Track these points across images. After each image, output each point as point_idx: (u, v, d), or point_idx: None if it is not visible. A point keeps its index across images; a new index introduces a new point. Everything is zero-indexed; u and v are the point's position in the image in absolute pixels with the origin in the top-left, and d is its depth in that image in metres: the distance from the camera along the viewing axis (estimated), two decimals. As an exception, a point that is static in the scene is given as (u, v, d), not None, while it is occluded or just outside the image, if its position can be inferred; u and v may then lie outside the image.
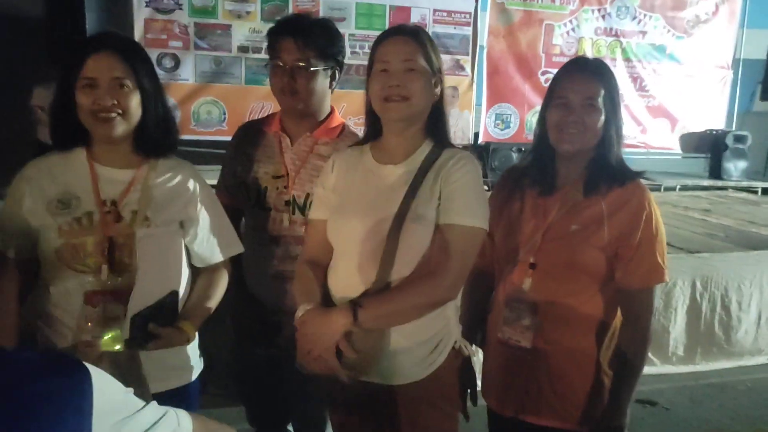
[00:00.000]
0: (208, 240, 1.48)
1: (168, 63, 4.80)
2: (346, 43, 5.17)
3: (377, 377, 1.36)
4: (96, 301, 1.31)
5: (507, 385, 1.53)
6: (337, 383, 1.32)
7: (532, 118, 5.79)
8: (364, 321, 1.27)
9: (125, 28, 4.68)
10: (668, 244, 3.05)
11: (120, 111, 1.32)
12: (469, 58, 5.48)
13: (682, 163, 6.21)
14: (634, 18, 5.81)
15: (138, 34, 4.70)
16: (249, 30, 4.93)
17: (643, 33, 5.86)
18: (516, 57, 5.66)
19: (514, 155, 5.43)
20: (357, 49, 5.14)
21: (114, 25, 4.70)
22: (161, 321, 1.30)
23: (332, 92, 1.73)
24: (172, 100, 4.79)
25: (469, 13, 5.42)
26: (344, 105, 5.15)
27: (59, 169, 1.39)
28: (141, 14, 4.72)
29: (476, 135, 5.64)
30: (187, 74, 4.87)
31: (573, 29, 5.70)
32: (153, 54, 4.69)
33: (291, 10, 4.99)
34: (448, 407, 1.42)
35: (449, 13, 5.38)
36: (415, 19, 5.30)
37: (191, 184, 1.45)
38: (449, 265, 1.30)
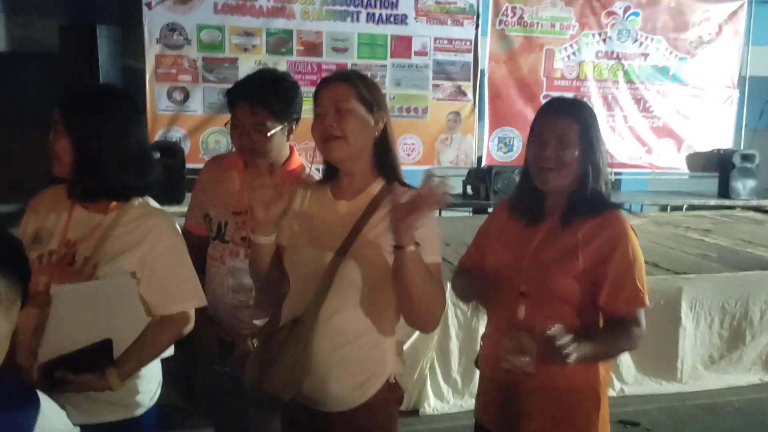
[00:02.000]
0: (162, 291, 1.51)
1: (178, 96, 5.02)
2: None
3: (311, 402, 1.44)
4: (38, 336, 1.40)
5: (504, 410, 1.61)
6: (286, 406, 1.44)
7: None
8: None
9: (137, 64, 4.98)
10: (655, 265, 3.08)
11: (54, 154, 1.45)
12: (471, 83, 5.59)
13: (690, 183, 6.18)
14: (636, 41, 5.86)
15: (149, 70, 4.95)
16: (255, 62, 5.13)
17: (645, 55, 5.90)
18: (517, 81, 5.75)
19: (518, 178, 5.48)
20: (359, 78, 5.30)
21: (126, 61, 4.96)
22: (87, 367, 1.37)
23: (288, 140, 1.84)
24: (181, 131, 5.04)
25: (470, 41, 5.54)
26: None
27: (50, 203, 1.51)
28: (152, 50, 4.96)
29: (479, 159, 5.73)
30: (196, 106, 5.08)
31: (574, 53, 5.78)
32: (164, 87, 4.94)
33: (295, 42, 5.20)
34: None
35: (450, 40, 5.51)
36: (416, 47, 5.45)
37: (154, 234, 1.49)
38: (440, 298, 1.43)
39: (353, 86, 1.45)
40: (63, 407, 1.27)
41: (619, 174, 6.03)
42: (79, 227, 1.47)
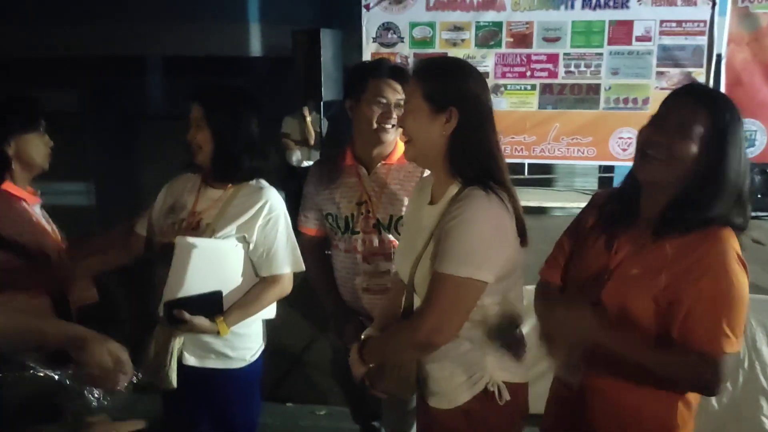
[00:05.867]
0: (265, 255, 1.75)
1: (390, 91, 5.24)
2: (560, 63, 5.12)
3: (422, 392, 1.49)
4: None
5: (555, 420, 1.51)
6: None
7: (784, 135, 5.01)
8: (368, 359, 1.46)
9: (354, 61, 5.30)
10: None
11: (197, 144, 1.73)
12: (704, 70, 4.95)
13: None
14: None
15: (365, 67, 5.24)
16: (463, 56, 5.14)
17: None
18: (763, 66, 4.97)
19: (757, 178, 4.75)
20: (572, 68, 5.03)
21: (346, 60, 5.33)
22: (200, 312, 1.64)
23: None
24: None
25: (704, 21, 4.92)
26: (557, 125, 5.11)
27: (183, 184, 1.83)
28: (369, 49, 5.25)
29: (710, 155, 5.06)
30: (406, 100, 5.26)
31: (842, 29, 4.80)
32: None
33: (504, 34, 5.11)
34: None
35: (680, 22, 4.95)
36: (638, 32, 4.99)
37: (260, 205, 1.73)
38: (429, 311, 1.32)
39: (419, 82, 1.38)
40: (181, 351, 1.68)
41: None
42: (205, 201, 1.77)
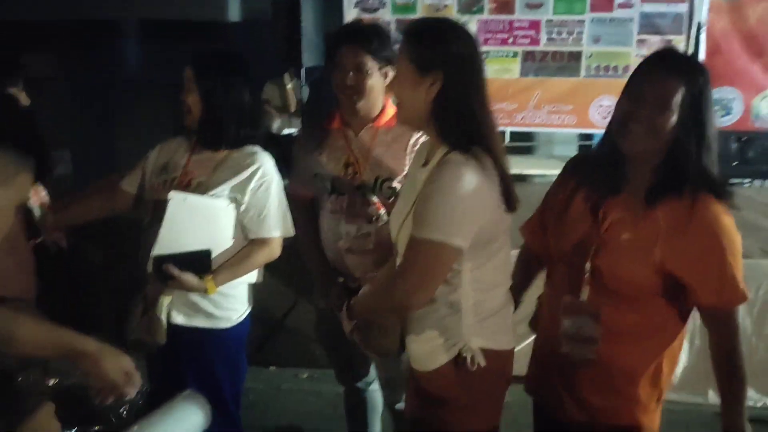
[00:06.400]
0: (256, 217, 1.77)
1: (372, 57, 5.19)
2: (543, 30, 5.14)
3: (411, 358, 1.52)
4: None
5: (553, 388, 1.53)
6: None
7: (761, 104, 5.07)
8: (355, 315, 1.51)
9: (335, 27, 5.21)
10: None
11: (187, 107, 1.73)
12: (684, 37, 4.98)
13: None
14: None
15: (347, 32, 5.16)
16: (446, 22, 5.09)
17: None
18: (743, 35, 5.01)
19: (733, 146, 4.84)
20: (554, 36, 5.02)
21: (325, 25, 5.26)
22: (189, 269, 1.66)
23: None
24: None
25: (685, -11, 4.92)
26: (539, 93, 5.11)
27: (177, 146, 1.86)
28: (350, 14, 5.18)
29: (688, 123, 5.12)
30: (388, 67, 5.21)
31: (820, -2, 4.84)
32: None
33: (487, 0, 5.05)
34: (449, 407, 1.45)
35: (661, -10, 4.94)
36: (620, -1, 4.98)
37: (254, 169, 1.74)
38: (405, 274, 1.34)
39: (406, 45, 1.38)
40: (169, 310, 1.68)
41: None
42: (198, 161, 1.79)
